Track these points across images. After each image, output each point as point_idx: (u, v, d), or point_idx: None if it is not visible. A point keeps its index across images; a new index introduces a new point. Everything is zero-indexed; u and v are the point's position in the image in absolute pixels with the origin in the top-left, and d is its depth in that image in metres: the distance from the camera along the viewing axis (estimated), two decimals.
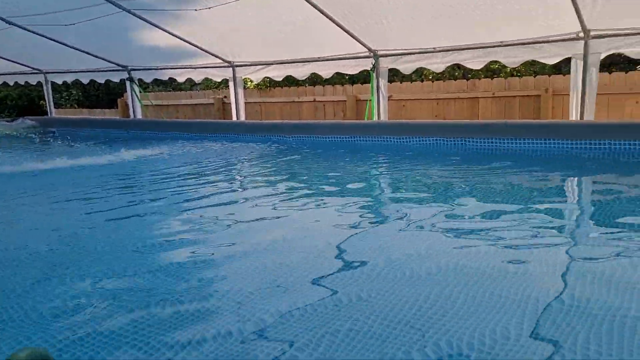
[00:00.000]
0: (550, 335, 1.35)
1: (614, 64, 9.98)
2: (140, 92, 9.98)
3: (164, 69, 9.32)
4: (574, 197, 3.35)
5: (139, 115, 9.95)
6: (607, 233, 2.36)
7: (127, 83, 9.71)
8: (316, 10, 6.21)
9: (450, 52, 6.70)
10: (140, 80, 9.92)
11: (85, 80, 10.35)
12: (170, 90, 13.96)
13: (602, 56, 5.72)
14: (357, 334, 1.40)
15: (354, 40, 6.92)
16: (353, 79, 10.53)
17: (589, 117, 5.78)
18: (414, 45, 6.86)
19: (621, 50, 5.64)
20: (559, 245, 2.19)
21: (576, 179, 3.99)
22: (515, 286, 1.69)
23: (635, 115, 6.66)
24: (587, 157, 4.83)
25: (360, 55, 7.38)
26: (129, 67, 9.55)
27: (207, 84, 12.35)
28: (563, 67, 9.69)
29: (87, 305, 1.68)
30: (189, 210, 3.13)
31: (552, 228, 2.48)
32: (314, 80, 10.88)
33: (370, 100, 7.67)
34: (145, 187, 4.19)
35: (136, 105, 9.89)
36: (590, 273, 1.81)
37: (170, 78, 9.56)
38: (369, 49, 7.18)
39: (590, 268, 1.87)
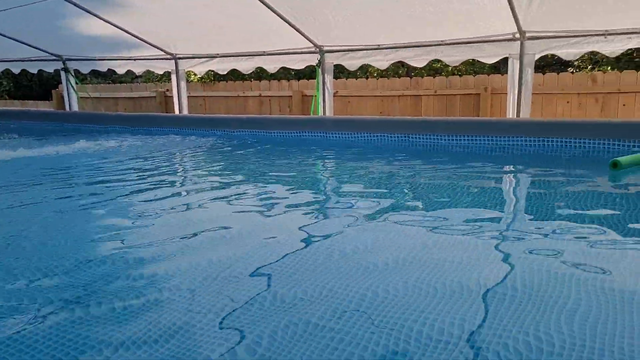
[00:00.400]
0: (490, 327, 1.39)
1: (548, 65, 10.49)
2: (76, 83, 9.55)
3: (102, 59, 8.95)
4: (509, 190, 3.48)
5: (76, 108, 9.52)
6: (540, 224, 2.46)
7: (62, 73, 9.26)
8: (262, 4, 6.15)
9: (394, 49, 6.81)
10: (76, 71, 9.49)
11: (16, 70, 9.77)
12: (109, 83, 13.46)
13: (537, 57, 5.98)
14: (302, 329, 1.39)
15: (300, 35, 6.91)
16: (299, 75, 10.52)
17: (525, 115, 6.03)
18: (359, 42, 6.93)
19: (553, 52, 5.91)
20: (497, 237, 2.26)
21: (513, 173, 4.15)
22: (457, 279, 1.73)
23: (566, 114, 7.01)
24: (524, 152, 5.04)
25: (306, 50, 7.37)
26: (64, 57, 9.12)
27: (149, 76, 11.99)
28: (502, 67, 10.09)
29: (17, 306, 1.58)
30: (129, 206, 3.02)
31: (489, 219, 2.56)
32: (260, 74, 10.79)
33: (315, 95, 7.68)
34: (81, 183, 4.00)
35: (72, 97, 9.45)
36: (526, 263, 1.88)
37: (109, 69, 9.19)
38: (315, 45, 7.18)
39: (526, 258, 1.95)
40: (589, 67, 9.15)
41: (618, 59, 8.05)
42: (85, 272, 1.85)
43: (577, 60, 8.90)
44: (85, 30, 7.83)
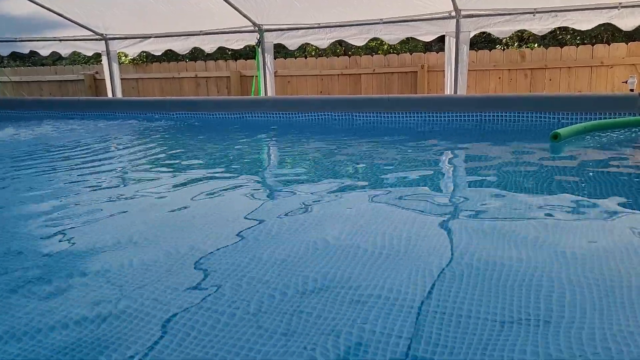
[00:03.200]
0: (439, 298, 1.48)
1: (477, 43, 10.90)
2: None
3: (23, 41, 8.36)
4: (454, 164, 3.64)
5: None
6: (486, 196, 2.60)
7: None
8: None
9: (335, 28, 6.84)
10: None
11: None
12: (29, 66, 12.59)
13: (472, 34, 6.22)
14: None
15: (239, 13, 6.78)
16: (236, 55, 10.32)
17: (462, 91, 6.27)
18: (299, 20, 6.89)
19: (487, 29, 6.17)
20: (444, 211, 2.37)
21: (457, 148, 4.33)
22: (407, 254, 1.81)
23: (498, 89, 7.36)
24: (462, 127, 5.25)
25: (244, 29, 7.25)
26: None
27: (75, 58, 11.34)
28: (433, 46, 10.38)
29: None
30: (62, 196, 2.84)
31: (434, 192, 2.68)
32: (195, 55, 10.48)
33: (256, 76, 7.58)
34: (6, 172, 3.73)
35: None
36: (467, 235, 1.98)
37: (31, 51, 8.61)
38: (254, 23, 7.07)
39: (468, 230, 2.06)
40: (516, 44, 9.59)
41: (543, 37, 8.50)
42: (16, 265, 1.77)
43: (505, 38, 9.30)
44: (1, 9, 7.27)
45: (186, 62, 9.67)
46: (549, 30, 5.89)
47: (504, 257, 1.65)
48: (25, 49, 8.51)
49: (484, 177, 2.98)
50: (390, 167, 3.33)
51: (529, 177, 2.84)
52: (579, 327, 1.20)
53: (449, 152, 4.06)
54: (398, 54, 8.38)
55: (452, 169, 3.39)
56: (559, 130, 3.60)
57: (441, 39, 7.20)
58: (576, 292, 1.39)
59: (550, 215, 2.12)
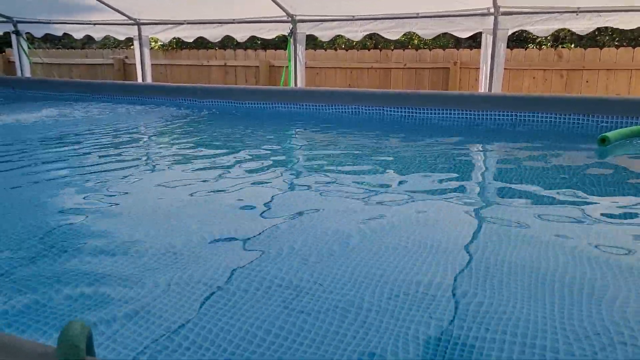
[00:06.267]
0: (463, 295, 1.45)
1: (508, 40, 10.69)
2: (29, 47, 8.97)
3: (58, 23, 8.42)
4: (481, 162, 3.57)
5: (28, 74, 8.97)
6: (510, 194, 2.54)
7: (13, 37, 8.67)
8: None
9: (369, 20, 6.76)
10: (27, 34, 8.90)
11: None
12: (58, 48, 12.71)
13: (510, 32, 6.09)
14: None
15: (273, 2, 6.73)
16: (265, 44, 10.29)
17: (497, 89, 6.16)
18: (333, 12, 6.83)
19: (526, 27, 6.04)
20: (469, 208, 2.32)
21: (484, 147, 4.25)
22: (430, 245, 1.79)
23: (532, 89, 7.23)
24: (495, 127, 5.16)
25: (278, 19, 7.20)
26: (15, 19, 8.52)
27: (105, 42, 11.41)
28: (463, 43, 10.22)
29: None
30: (93, 179, 2.84)
31: (463, 192, 2.62)
32: (225, 43, 10.47)
33: (287, 67, 7.55)
34: (37, 153, 3.74)
35: (24, 63, 8.88)
36: (496, 232, 1.94)
37: (65, 34, 8.67)
38: (287, 13, 7.02)
39: (495, 227, 2.01)
40: (549, 44, 9.40)
41: (580, 37, 8.31)
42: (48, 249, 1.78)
43: (539, 37, 9.12)
44: None
45: (215, 50, 9.66)
46: (591, 30, 5.74)
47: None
48: (59, 31, 8.58)
49: (532, 183, 2.92)
50: (418, 165, 3.28)
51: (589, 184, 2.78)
52: None
53: (480, 152, 3.99)
54: (430, 49, 8.27)
55: (482, 169, 3.33)
56: (607, 134, 3.51)
57: (471, 37, 7.07)
58: None
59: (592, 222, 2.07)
